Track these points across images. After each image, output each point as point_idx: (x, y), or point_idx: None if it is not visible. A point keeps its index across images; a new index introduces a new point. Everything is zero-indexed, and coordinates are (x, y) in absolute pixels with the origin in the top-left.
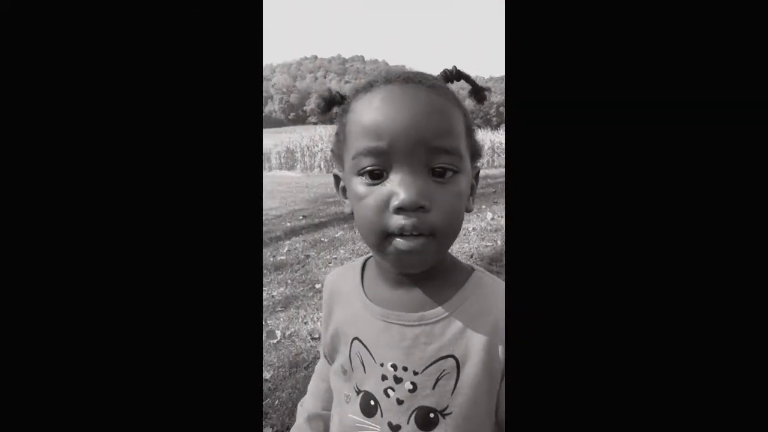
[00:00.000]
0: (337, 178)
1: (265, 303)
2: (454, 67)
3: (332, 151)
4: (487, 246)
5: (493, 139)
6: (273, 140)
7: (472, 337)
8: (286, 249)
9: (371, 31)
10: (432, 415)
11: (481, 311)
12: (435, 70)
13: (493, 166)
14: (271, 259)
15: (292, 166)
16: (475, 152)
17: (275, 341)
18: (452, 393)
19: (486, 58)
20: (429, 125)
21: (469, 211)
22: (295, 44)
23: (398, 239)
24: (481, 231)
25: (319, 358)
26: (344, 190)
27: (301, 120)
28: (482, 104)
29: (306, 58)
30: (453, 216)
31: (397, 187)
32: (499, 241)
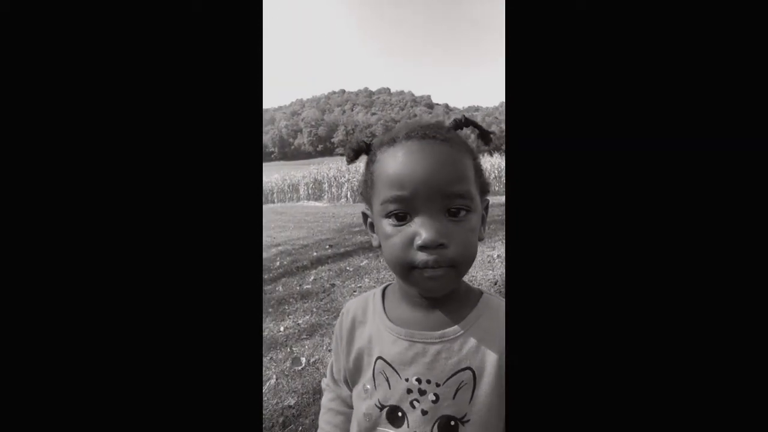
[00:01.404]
0: (365, 216)
1: (291, 331)
2: (463, 115)
3: (361, 194)
4: None
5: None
6: (302, 172)
7: (486, 350)
8: (312, 278)
9: (396, 63)
10: (452, 422)
11: (492, 327)
12: (457, 99)
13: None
14: (298, 288)
15: (320, 196)
16: (484, 189)
17: (300, 368)
18: (470, 401)
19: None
20: (444, 175)
21: (481, 239)
22: (324, 79)
23: (423, 270)
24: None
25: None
26: (372, 226)
27: (328, 152)
28: (488, 146)
29: (334, 92)
30: (468, 249)
31: (420, 228)
32: None
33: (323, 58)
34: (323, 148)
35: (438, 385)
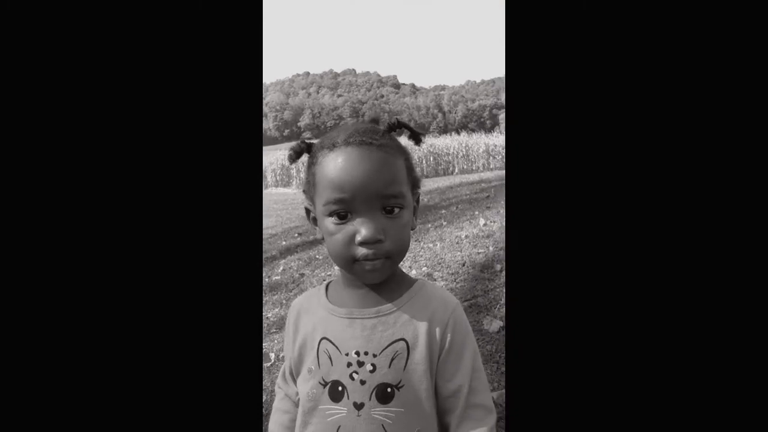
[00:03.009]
0: (308, 211)
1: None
2: (396, 119)
3: (304, 191)
4: (479, 253)
5: (487, 142)
6: (268, 158)
7: (418, 324)
8: (281, 269)
9: (361, 44)
10: (389, 389)
11: (424, 305)
12: (423, 79)
13: (488, 169)
14: (267, 279)
15: (288, 182)
16: (415, 184)
17: (269, 364)
18: (404, 369)
19: (472, 64)
20: (379, 179)
21: (413, 229)
22: (287, 62)
23: (364, 262)
24: (474, 238)
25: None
26: (314, 220)
27: (295, 136)
28: (419, 146)
29: (298, 75)
30: (402, 241)
31: (360, 226)
32: (491, 247)
33: (285, 40)
34: (290, 132)
35: (375, 356)
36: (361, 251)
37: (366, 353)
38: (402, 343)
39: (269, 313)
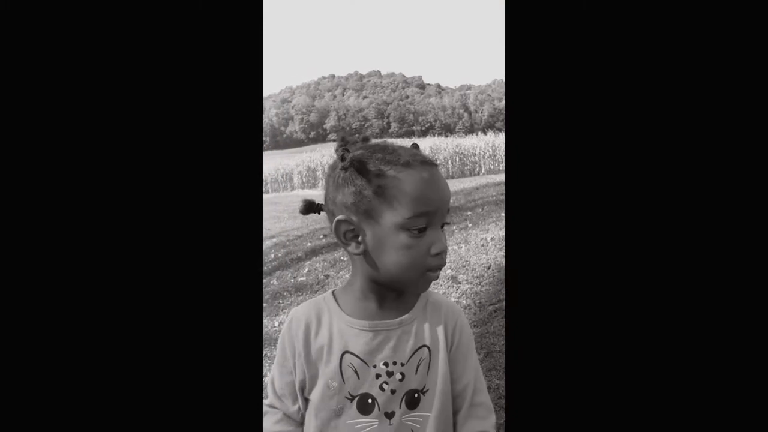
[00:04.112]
0: (347, 223)
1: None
2: (413, 144)
3: (353, 204)
4: (505, 256)
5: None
6: (294, 161)
7: (435, 329)
8: (306, 270)
9: (386, 45)
10: (416, 395)
11: (436, 311)
12: (449, 78)
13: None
14: (292, 280)
15: (314, 184)
16: None
17: None
18: (428, 373)
19: (498, 62)
20: (449, 196)
21: None
22: (313, 65)
23: (432, 273)
24: (499, 240)
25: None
26: (352, 235)
27: (321, 138)
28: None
29: (324, 78)
30: None
31: (434, 238)
32: None
33: (311, 43)
34: (315, 134)
35: (403, 365)
36: (436, 261)
37: (395, 363)
38: (425, 349)
39: None
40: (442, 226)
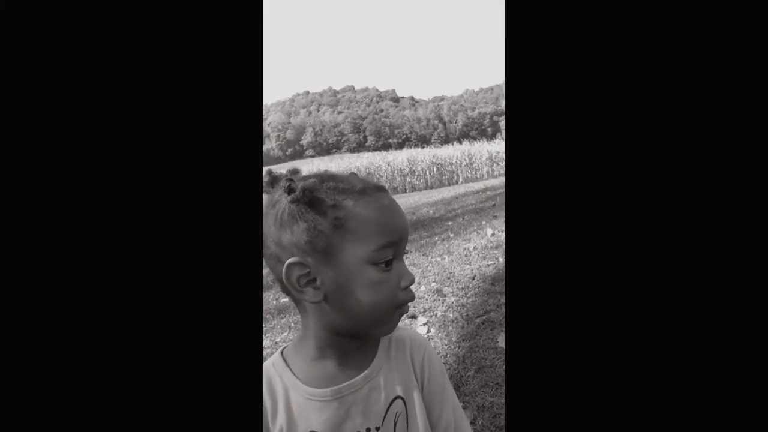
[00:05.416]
0: (301, 266)
1: (268, 351)
2: (353, 172)
3: (309, 242)
4: (488, 265)
5: (490, 149)
6: None
7: (403, 374)
8: None
9: (358, 60)
10: None
11: (400, 350)
12: (422, 90)
13: (492, 176)
14: (274, 302)
15: None
16: None
17: None
18: (407, 427)
19: (469, 73)
20: (408, 224)
21: None
22: (287, 82)
23: (401, 310)
24: (482, 249)
25: None
26: (308, 279)
27: (298, 155)
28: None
29: (298, 94)
30: None
31: (402, 270)
32: (501, 258)
33: (284, 61)
34: (293, 151)
35: (378, 429)
36: (406, 296)
37: (368, 429)
38: (399, 401)
39: (278, 338)
40: (402, 255)
